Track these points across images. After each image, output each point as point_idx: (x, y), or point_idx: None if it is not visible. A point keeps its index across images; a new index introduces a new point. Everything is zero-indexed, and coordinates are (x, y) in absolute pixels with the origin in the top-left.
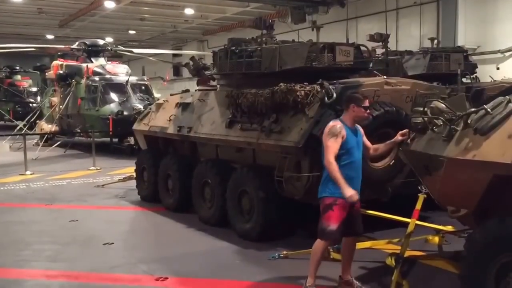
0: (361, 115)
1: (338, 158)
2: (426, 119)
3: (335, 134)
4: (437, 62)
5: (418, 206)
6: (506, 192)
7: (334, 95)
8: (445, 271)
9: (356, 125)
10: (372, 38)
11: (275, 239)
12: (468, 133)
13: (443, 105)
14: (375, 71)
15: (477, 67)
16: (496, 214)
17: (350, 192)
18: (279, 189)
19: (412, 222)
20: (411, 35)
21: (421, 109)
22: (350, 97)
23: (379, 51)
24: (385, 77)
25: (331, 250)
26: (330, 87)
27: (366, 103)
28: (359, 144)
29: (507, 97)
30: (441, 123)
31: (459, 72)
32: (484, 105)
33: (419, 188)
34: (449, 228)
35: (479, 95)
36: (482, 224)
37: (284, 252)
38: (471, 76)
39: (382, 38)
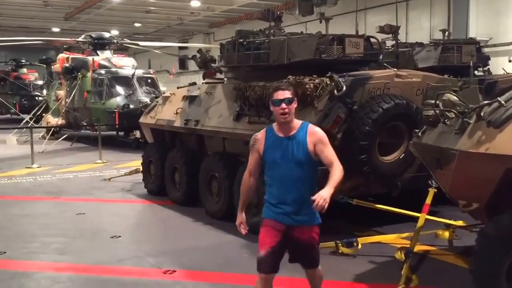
0: (276, 115)
1: (264, 174)
2: (437, 111)
3: (250, 147)
4: (448, 54)
5: (428, 200)
6: None
7: (344, 87)
8: (455, 266)
9: (303, 129)
10: (382, 30)
11: None
12: (481, 126)
13: (456, 98)
14: (385, 64)
15: (489, 59)
16: (509, 209)
17: (238, 220)
18: None
19: (422, 216)
20: (421, 27)
21: (433, 101)
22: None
23: (389, 43)
24: (395, 69)
25: (340, 244)
26: (340, 79)
27: (278, 95)
28: (293, 155)
29: None
30: (453, 116)
31: (471, 64)
32: (498, 98)
33: (429, 182)
34: (459, 223)
35: (491, 88)
36: (494, 219)
37: None
38: (484, 69)
39: (392, 30)
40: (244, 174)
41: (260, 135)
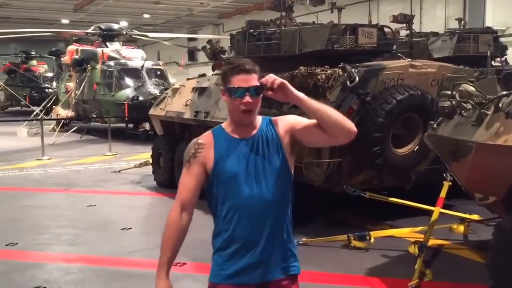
0: (233, 110)
1: (210, 203)
2: (454, 103)
3: (186, 160)
4: (464, 44)
5: (443, 193)
6: None
7: (357, 78)
8: (470, 260)
9: (265, 124)
10: (395, 19)
11: (295, 226)
12: (499, 117)
13: (473, 88)
14: (399, 54)
15: (507, 49)
16: None
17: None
18: (298, 175)
19: (437, 210)
20: (436, 16)
21: (449, 92)
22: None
23: (403, 33)
24: (409, 59)
25: (352, 238)
26: (352, 70)
27: (240, 81)
28: (264, 164)
29: None
30: (470, 107)
31: (488, 54)
32: None
33: (444, 175)
34: (475, 216)
35: (509, 78)
36: (510, 211)
37: (304, 239)
38: (501, 59)
39: (406, 19)
40: (172, 209)
41: (205, 139)
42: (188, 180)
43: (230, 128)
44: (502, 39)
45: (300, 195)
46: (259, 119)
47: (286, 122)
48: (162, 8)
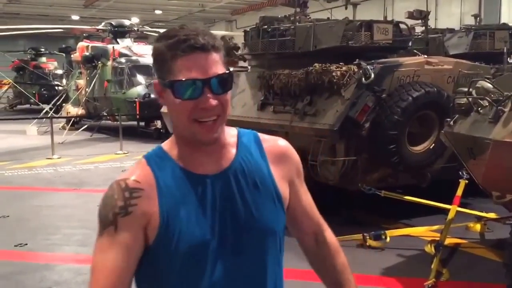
0: (177, 116)
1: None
2: (470, 100)
3: (107, 221)
4: (480, 40)
5: (459, 192)
6: None
7: (372, 75)
8: (487, 259)
9: (248, 146)
10: (411, 15)
11: None
12: None
13: (490, 85)
14: (414, 50)
15: None
16: None
17: None
18: (313, 173)
19: (453, 208)
20: (452, 13)
21: (465, 89)
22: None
23: (418, 29)
24: (425, 56)
25: (367, 237)
26: (368, 67)
27: (186, 68)
28: (248, 227)
29: None
30: (487, 104)
31: (505, 50)
32: None
33: (460, 173)
34: (491, 215)
35: None
36: None
37: None
38: None
39: (422, 16)
40: None
41: (140, 177)
42: (113, 259)
43: (179, 154)
44: None
45: (314, 194)
46: (230, 135)
47: (291, 165)
48: (174, 4)
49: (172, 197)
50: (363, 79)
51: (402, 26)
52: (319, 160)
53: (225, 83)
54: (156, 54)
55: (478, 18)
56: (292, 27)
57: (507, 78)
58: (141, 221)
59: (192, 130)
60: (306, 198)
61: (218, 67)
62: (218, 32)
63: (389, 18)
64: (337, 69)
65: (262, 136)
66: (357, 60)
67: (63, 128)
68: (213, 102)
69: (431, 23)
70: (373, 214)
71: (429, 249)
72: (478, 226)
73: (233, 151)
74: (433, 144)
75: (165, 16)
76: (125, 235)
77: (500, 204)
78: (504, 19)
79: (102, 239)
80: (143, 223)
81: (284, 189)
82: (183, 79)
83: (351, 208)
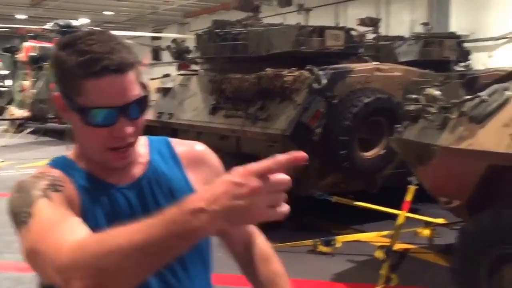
0: (88, 141)
1: None
2: (419, 106)
3: (27, 203)
4: (430, 48)
5: (409, 197)
6: (501, 182)
7: (324, 81)
8: (435, 264)
9: (161, 153)
10: (362, 22)
11: (262, 231)
12: (463, 121)
13: (438, 92)
14: (365, 57)
15: (470, 54)
16: (490, 206)
17: None
18: None
19: (402, 214)
20: (402, 21)
21: (414, 96)
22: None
23: (370, 36)
24: (376, 63)
25: (318, 243)
26: (320, 72)
27: (100, 94)
28: None
29: (503, 84)
30: (435, 111)
31: (452, 59)
32: (479, 93)
33: (410, 179)
34: (440, 220)
35: (472, 83)
36: (475, 216)
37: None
38: (464, 64)
39: (373, 23)
40: None
41: (58, 174)
42: (57, 213)
43: (88, 166)
44: (466, 44)
45: None
46: (141, 144)
47: (208, 169)
48: (125, 5)
49: (87, 204)
50: (315, 84)
51: (353, 32)
52: None
53: (142, 106)
54: (60, 66)
55: (428, 27)
56: (245, 31)
57: (453, 86)
58: (69, 206)
59: (105, 158)
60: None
61: (135, 89)
62: (170, 35)
63: (342, 25)
64: (289, 74)
65: (176, 142)
66: (309, 65)
67: (7, 130)
68: (129, 129)
69: (383, 30)
70: (325, 219)
71: (379, 254)
72: (427, 232)
73: (145, 160)
74: (384, 150)
75: (116, 18)
76: (62, 206)
77: (448, 210)
78: (453, 28)
79: (32, 218)
80: (70, 205)
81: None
82: (96, 108)
83: (303, 214)
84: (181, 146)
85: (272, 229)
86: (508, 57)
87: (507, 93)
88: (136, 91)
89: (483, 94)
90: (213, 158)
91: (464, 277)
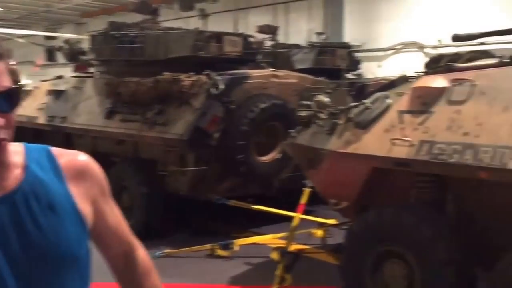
0: None
1: None
2: (310, 112)
3: None
4: (323, 57)
5: (303, 200)
6: (384, 184)
7: (221, 86)
8: (327, 263)
9: (38, 167)
10: (261, 29)
11: (158, 237)
12: (349, 126)
13: (327, 99)
14: (262, 63)
15: (360, 63)
16: (374, 206)
17: None
18: (163, 184)
19: (297, 216)
20: (300, 30)
21: (307, 102)
22: None
23: (269, 43)
24: (273, 69)
25: (216, 247)
26: (217, 78)
27: None
28: (41, 254)
29: (385, 92)
30: (325, 117)
31: (343, 67)
32: (364, 100)
33: (305, 182)
34: (332, 221)
35: (362, 90)
36: (360, 216)
37: (167, 251)
38: (356, 72)
39: (271, 30)
40: None
41: None
42: None
43: None
44: (359, 54)
45: (164, 205)
46: (16, 152)
47: (93, 183)
48: (16, 1)
49: None
50: (213, 89)
51: (251, 39)
52: (168, 170)
53: (12, 99)
54: None
55: (323, 36)
56: (142, 34)
57: (341, 93)
58: None
59: None
60: (113, 217)
61: (4, 79)
62: (64, 35)
63: (244, 31)
64: (187, 79)
65: (57, 151)
66: (207, 70)
67: None
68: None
69: (282, 38)
70: (223, 223)
71: (275, 256)
72: (320, 232)
73: (20, 171)
74: (280, 154)
75: (6, 15)
76: None
77: (337, 211)
78: (347, 38)
79: None
80: None
81: (86, 209)
82: None
83: (203, 218)
84: (63, 156)
85: (170, 235)
86: (396, 66)
87: (388, 100)
88: (4, 82)
89: (367, 101)
90: (96, 170)
91: (350, 274)
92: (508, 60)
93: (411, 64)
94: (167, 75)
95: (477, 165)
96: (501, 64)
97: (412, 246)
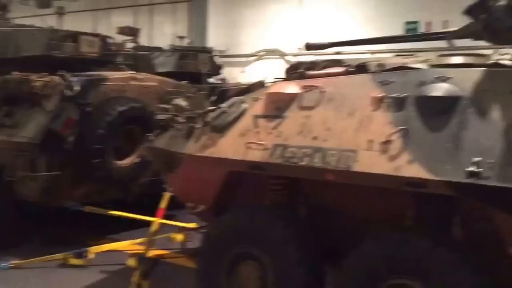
0: None
1: None
2: (168, 116)
3: None
4: (185, 61)
5: (163, 204)
6: (241, 187)
7: (77, 88)
8: (186, 268)
9: None
10: (121, 31)
11: (5, 246)
12: (206, 130)
13: (185, 103)
14: (122, 65)
15: (221, 68)
16: (230, 209)
17: None
18: (10, 191)
19: (156, 221)
20: (165, 33)
21: (165, 106)
22: None
23: (130, 45)
24: (132, 72)
25: (69, 256)
26: (72, 79)
27: None
28: None
29: (241, 97)
30: (183, 121)
31: (204, 72)
32: (220, 104)
33: (165, 186)
34: (192, 225)
35: (223, 95)
36: (216, 219)
37: (15, 262)
38: (220, 77)
39: (133, 32)
40: None
41: None
42: None
43: None
44: (223, 59)
45: (13, 213)
46: None
47: None
48: None
49: None
50: (67, 91)
51: (110, 40)
52: (16, 176)
53: None
54: None
55: (187, 40)
56: None
57: (199, 97)
58: None
59: None
60: None
61: None
62: None
63: (105, 32)
64: (39, 79)
65: None
66: (61, 71)
67: None
68: None
69: (146, 41)
70: (81, 231)
71: (131, 262)
72: (180, 237)
73: None
74: (139, 159)
75: None
76: None
77: (195, 214)
78: (211, 43)
79: None
80: None
81: None
82: None
83: (57, 226)
84: None
85: (19, 245)
86: (259, 72)
87: (244, 105)
88: None
89: (224, 105)
90: None
91: (207, 277)
92: (353, 69)
93: (273, 70)
94: (16, 74)
95: (325, 167)
96: (347, 73)
97: (265, 247)
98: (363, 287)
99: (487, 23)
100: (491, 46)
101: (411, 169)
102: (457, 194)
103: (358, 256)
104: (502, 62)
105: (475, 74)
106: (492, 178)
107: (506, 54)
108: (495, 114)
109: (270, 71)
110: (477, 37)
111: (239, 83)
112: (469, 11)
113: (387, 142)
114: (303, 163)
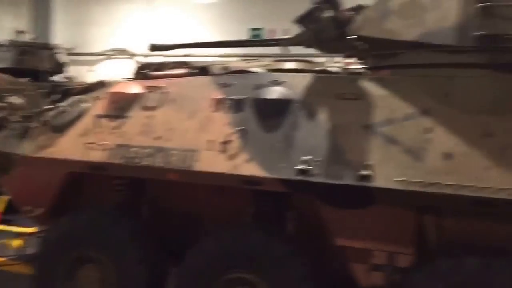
0: None
1: None
2: (2, 115)
3: None
4: (25, 57)
5: None
6: (82, 189)
7: None
8: (24, 274)
9: None
10: None
11: None
12: (45, 130)
13: (20, 101)
14: None
15: (65, 66)
16: (69, 212)
17: None
18: None
19: None
20: (4, 27)
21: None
22: None
23: None
24: None
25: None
26: None
27: None
28: None
29: (81, 96)
30: (18, 120)
31: (45, 69)
32: (60, 103)
33: (1, 189)
34: (31, 230)
35: (67, 94)
36: (54, 222)
37: None
38: (67, 75)
39: None
40: None
41: None
42: None
43: None
44: (71, 57)
45: None
46: None
47: None
48: None
49: None
50: None
51: None
52: None
53: None
54: None
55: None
56: None
57: (36, 95)
58: None
59: None
60: None
61: None
62: None
63: None
64: None
65: None
66: None
67: None
68: None
69: None
70: None
71: None
72: (17, 242)
73: None
74: None
75: None
76: None
77: (32, 219)
78: (58, 40)
79: None
80: None
81: None
82: None
83: None
84: None
85: None
86: (108, 72)
87: (84, 104)
88: None
89: (64, 104)
90: None
91: (44, 283)
92: (196, 71)
93: (124, 70)
94: None
95: (167, 167)
96: (190, 74)
97: (106, 249)
98: (201, 283)
99: (316, 33)
100: (325, 55)
101: (248, 167)
102: (289, 190)
103: (195, 254)
104: (329, 69)
105: (305, 79)
106: (319, 175)
107: (338, 62)
108: (322, 116)
109: (120, 71)
110: (308, 45)
111: (84, 82)
112: (299, 21)
113: (226, 142)
114: (145, 163)
